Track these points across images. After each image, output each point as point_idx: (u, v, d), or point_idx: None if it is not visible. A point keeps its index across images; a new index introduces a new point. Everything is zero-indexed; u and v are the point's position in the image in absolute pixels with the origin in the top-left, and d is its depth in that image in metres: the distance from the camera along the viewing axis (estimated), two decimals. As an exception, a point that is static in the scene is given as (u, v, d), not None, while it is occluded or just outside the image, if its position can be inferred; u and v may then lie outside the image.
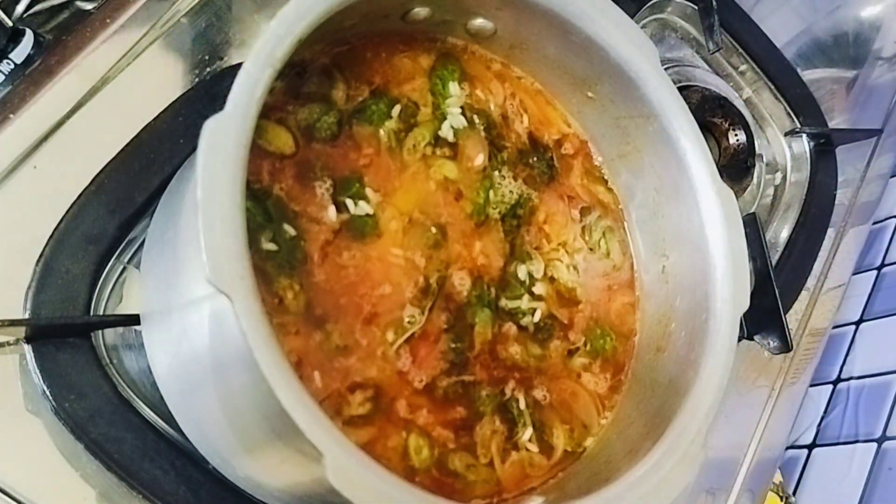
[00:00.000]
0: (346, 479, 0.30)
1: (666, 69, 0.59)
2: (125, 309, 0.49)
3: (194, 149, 0.31)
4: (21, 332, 0.45)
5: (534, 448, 0.45)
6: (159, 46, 0.54)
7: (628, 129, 0.50)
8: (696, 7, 0.78)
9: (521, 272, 0.47)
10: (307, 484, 0.38)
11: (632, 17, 0.57)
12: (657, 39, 0.78)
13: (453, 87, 0.48)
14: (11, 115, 0.49)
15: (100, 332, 0.48)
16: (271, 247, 0.39)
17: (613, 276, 0.51)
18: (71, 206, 0.48)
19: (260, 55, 0.34)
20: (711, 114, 0.74)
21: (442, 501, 0.36)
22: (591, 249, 0.51)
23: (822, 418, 0.78)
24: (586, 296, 0.50)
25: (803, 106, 0.82)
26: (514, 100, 0.51)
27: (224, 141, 0.32)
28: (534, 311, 0.47)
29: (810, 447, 0.77)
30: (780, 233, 0.78)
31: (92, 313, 0.47)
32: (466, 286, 0.45)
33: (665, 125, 0.47)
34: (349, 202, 0.42)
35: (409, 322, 0.42)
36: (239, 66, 0.34)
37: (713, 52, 0.78)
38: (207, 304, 0.37)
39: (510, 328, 0.46)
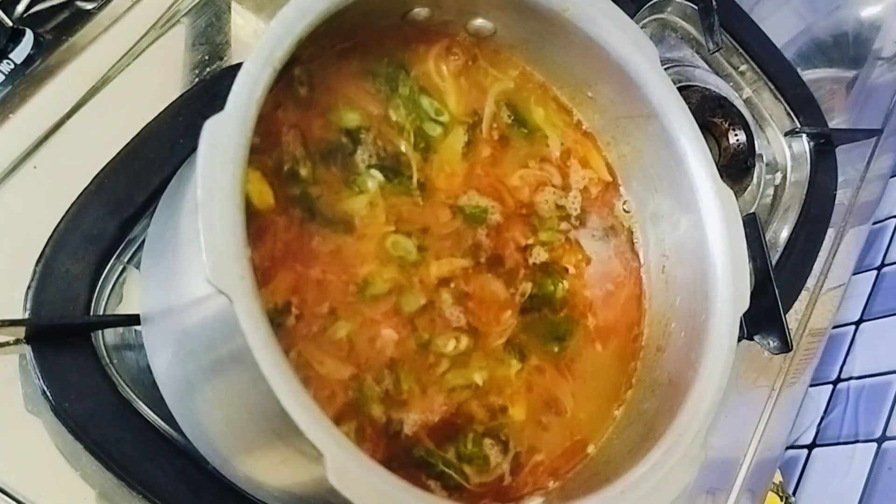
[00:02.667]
0: (346, 478, 0.30)
1: (666, 69, 0.59)
2: (125, 309, 0.49)
3: (194, 149, 0.31)
4: (21, 332, 0.45)
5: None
6: (159, 46, 0.54)
7: (628, 130, 0.50)
8: (696, 7, 0.78)
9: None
10: (307, 484, 0.38)
11: (632, 17, 0.57)
12: (657, 39, 0.78)
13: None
14: (11, 115, 0.49)
15: (100, 332, 0.48)
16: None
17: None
18: (71, 206, 0.48)
19: (260, 55, 0.34)
20: (711, 114, 0.74)
21: (443, 502, 0.36)
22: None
23: (822, 418, 0.78)
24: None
25: (803, 106, 0.82)
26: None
27: (224, 141, 0.32)
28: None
29: (810, 447, 0.77)
30: (780, 233, 0.78)
31: (92, 313, 0.47)
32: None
33: (665, 125, 0.47)
34: None
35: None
36: (239, 66, 0.34)
37: (713, 52, 0.78)
38: (207, 305, 0.37)
39: None
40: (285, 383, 0.30)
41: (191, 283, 0.38)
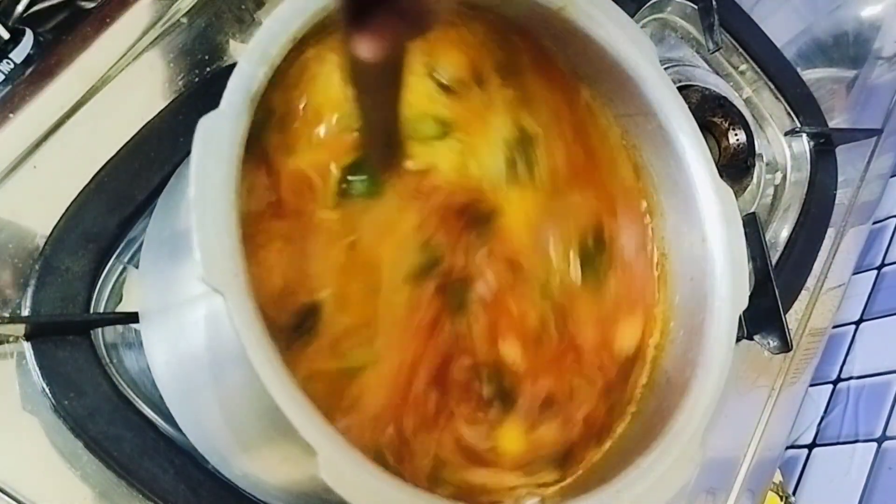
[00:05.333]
0: (338, 476, 0.30)
1: (666, 69, 0.59)
2: (125, 308, 0.49)
3: (193, 147, 0.31)
4: (21, 329, 0.45)
5: None
6: (159, 46, 0.54)
7: (627, 128, 0.50)
8: (695, 7, 0.78)
9: None
10: (303, 482, 0.38)
11: (632, 16, 0.57)
12: (657, 39, 0.78)
13: None
14: (11, 115, 0.49)
15: (99, 330, 0.48)
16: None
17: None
18: (71, 205, 0.48)
19: (255, 53, 0.34)
20: (711, 113, 0.74)
21: (439, 500, 0.36)
22: None
23: (822, 418, 0.77)
24: None
25: (803, 105, 0.82)
26: None
27: (218, 139, 0.32)
28: None
29: (810, 447, 0.76)
30: (779, 232, 0.78)
31: (91, 311, 0.47)
32: None
33: (664, 124, 0.47)
34: None
35: None
36: (238, 65, 0.34)
37: (713, 52, 0.78)
38: (203, 303, 0.37)
39: None
40: (278, 381, 0.30)
41: (187, 281, 0.38)
